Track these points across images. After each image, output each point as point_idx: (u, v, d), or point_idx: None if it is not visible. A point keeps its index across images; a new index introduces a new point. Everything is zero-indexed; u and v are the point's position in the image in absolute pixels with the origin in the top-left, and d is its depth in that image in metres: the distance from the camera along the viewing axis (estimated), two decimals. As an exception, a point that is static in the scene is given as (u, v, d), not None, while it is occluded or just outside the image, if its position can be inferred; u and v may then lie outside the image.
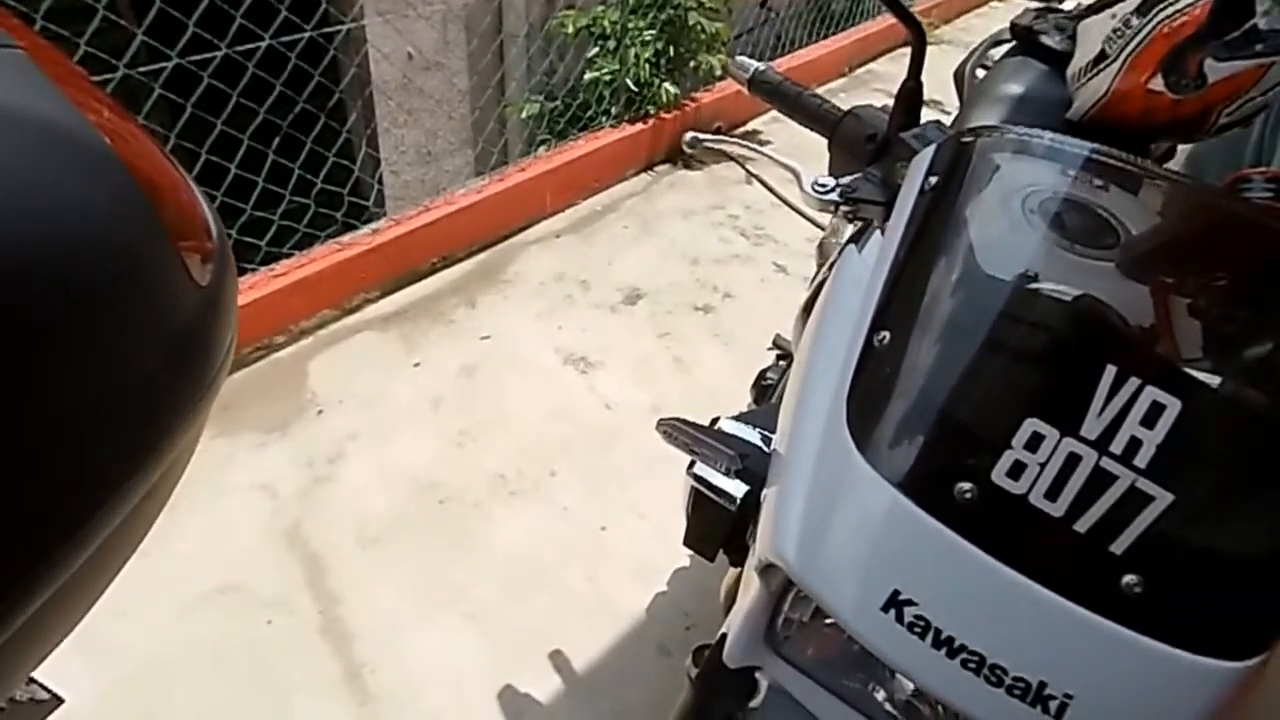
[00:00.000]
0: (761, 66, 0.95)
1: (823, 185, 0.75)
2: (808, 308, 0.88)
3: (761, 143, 3.54)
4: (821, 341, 0.61)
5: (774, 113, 3.35)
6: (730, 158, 3.33)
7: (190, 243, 0.48)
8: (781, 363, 1.39)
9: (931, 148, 0.65)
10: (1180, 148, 1.41)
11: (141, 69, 1.71)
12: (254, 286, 1.99)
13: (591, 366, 2.15)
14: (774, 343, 1.67)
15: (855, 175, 0.75)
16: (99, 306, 0.40)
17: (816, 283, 0.93)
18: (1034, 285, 0.54)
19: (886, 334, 0.53)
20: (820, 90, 4.25)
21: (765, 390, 1.33)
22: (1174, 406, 0.45)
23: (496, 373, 2.11)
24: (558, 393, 2.07)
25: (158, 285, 0.44)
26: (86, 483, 0.39)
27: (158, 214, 0.44)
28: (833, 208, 0.76)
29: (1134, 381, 0.46)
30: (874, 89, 4.27)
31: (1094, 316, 0.53)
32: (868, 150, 0.81)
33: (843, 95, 4.17)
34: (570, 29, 2.91)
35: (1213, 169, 1.72)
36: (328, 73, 2.14)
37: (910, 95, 0.76)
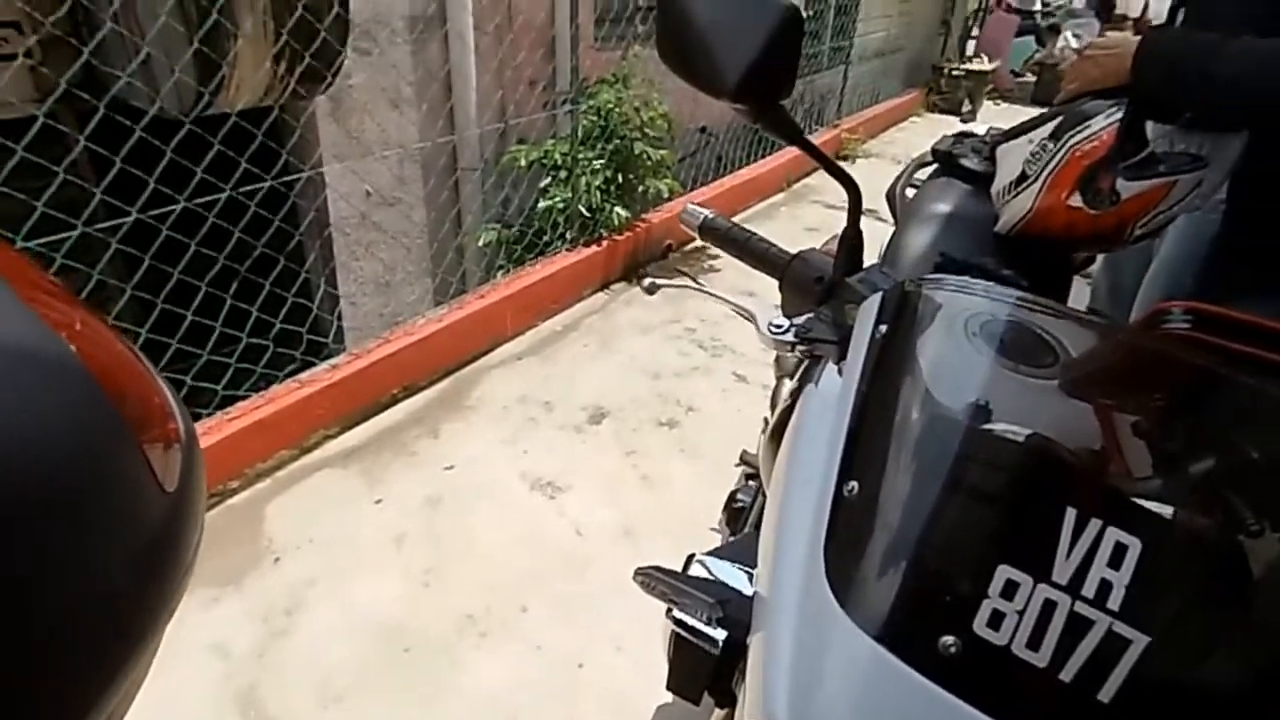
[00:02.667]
0: (710, 214, 1.01)
1: (778, 326, 0.78)
2: (775, 433, 0.89)
3: (712, 257, 3.70)
4: (792, 486, 0.62)
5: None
6: (684, 274, 3.46)
7: (157, 444, 0.47)
8: (751, 483, 1.40)
9: (878, 296, 0.69)
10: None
11: (100, 225, 1.73)
12: (209, 431, 1.94)
13: (559, 490, 2.12)
14: (741, 459, 1.68)
15: (808, 315, 0.79)
16: (63, 529, 0.39)
17: (780, 409, 0.95)
18: (988, 425, 0.57)
19: (855, 484, 0.55)
20: (762, 204, 4.49)
21: (738, 514, 1.32)
22: (1135, 546, 0.47)
23: (462, 503, 2.06)
24: (526, 520, 2.02)
25: (124, 498, 0.43)
26: (48, 716, 0.37)
27: (125, 423, 0.44)
28: (789, 347, 0.79)
29: (1095, 523, 0.48)
30: (812, 200, 4.54)
31: (1047, 457, 0.56)
32: (817, 291, 0.85)
33: (784, 208, 4.42)
34: (523, 162, 3.06)
35: (1129, 268, 1.85)
36: (287, 217, 2.19)
37: (851, 242, 0.81)
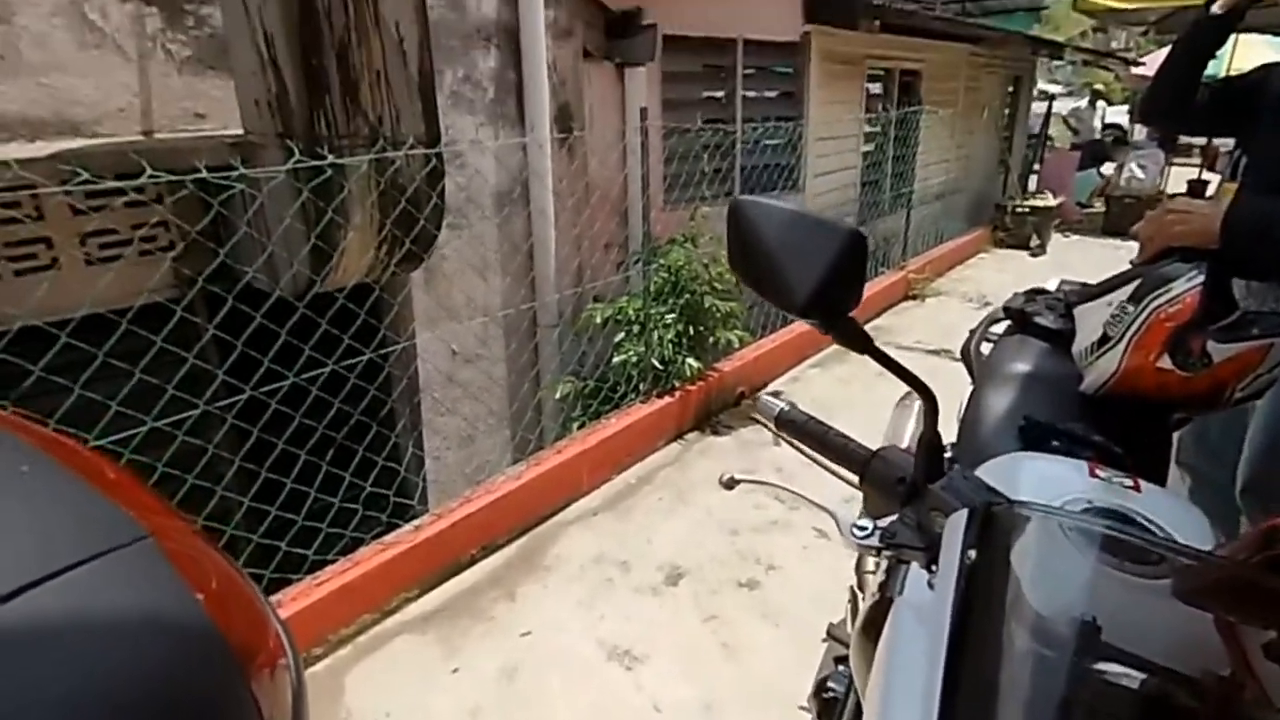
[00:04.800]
0: (786, 406, 1.03)
1: (862, 529, 0.77)
2: (867, 629, 0.85)
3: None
4: (889, 715, 0.59)
5: (793, 374, 3.49)
6: (757, 421, 3.45)
7: (270, 687, 0.50)
8: (842, 669, 1.31)
9: (964, 515, 0.68)
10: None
11: (219, 403, 1.89)
12: (296, 598, 1.99)
13: (636, 660, 2.04)
14: (829, 634, 1.58)
15: (892, 519, 0.77)
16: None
17: (869, 602, 0.91)
18: (1098, 665, 0.53)
19: (957, 730, 0.52)
20: (831, 347, 4.45)
21: (830, 704, 1.24)
22: None
23: (538, 674, 2.00)
24: (602, 693, 1.94)
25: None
26: None
27: (246, 681, 0.47)
28: (874, 551, 0.77)
29: None
30: (882, 342, 4.50)
31: (1167, 705, 0.52)
32: (899, 492, 0.84)
33: (855, 350, 4.41)
34: (599, 319, 3.21)
35: (1215, 418, 1.75)
36: (382, 385, 2.34)
37: (930, 446, 0.81)
